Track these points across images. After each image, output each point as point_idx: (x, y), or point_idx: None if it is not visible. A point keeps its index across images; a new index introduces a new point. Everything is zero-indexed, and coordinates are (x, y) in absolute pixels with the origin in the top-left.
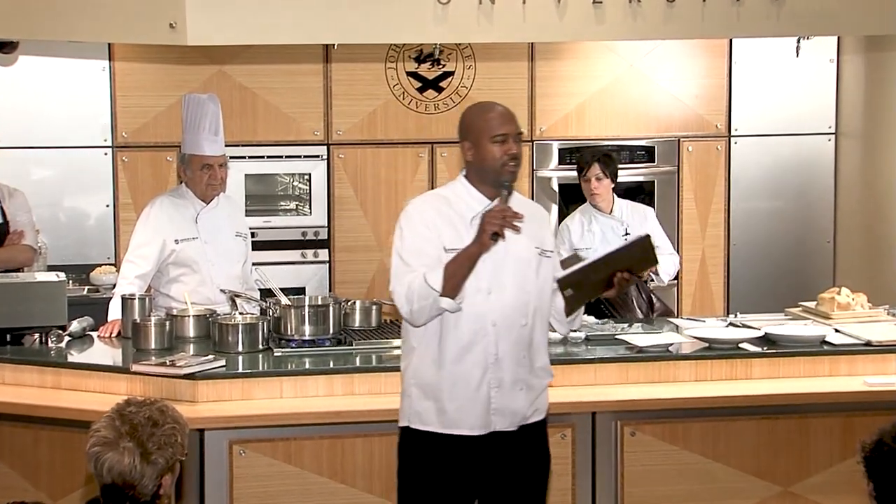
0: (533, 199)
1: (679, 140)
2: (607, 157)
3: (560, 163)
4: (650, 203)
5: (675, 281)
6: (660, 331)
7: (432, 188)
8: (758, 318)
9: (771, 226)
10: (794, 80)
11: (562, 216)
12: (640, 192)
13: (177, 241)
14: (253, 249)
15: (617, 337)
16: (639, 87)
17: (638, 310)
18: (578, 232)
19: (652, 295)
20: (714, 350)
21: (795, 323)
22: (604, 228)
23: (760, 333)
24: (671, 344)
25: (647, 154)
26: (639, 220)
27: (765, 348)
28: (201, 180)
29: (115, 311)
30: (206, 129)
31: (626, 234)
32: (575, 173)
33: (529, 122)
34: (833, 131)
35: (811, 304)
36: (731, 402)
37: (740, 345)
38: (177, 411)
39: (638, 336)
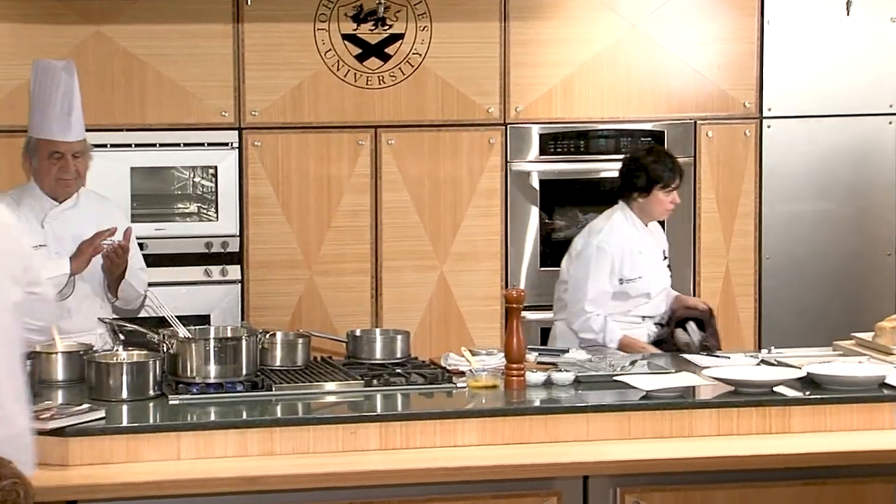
0: (506, 198)
1: (696, 123)
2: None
3: (541, 152)
4: None
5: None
6: (671, 370)
7: (376, 184)
8: (798, 354)
9: (815, 234)
10: (844, 44)
11: (543, 220)
12: None
13: None
14: None
15: (616, 378)
16: (643, 55)
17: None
18: (622, 257)
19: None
20: (742, 395)
21: (847, 360)
22: (650, 253)
23: (802, 374)
24: (686, 387)
25: (655, 141)
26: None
27: (807, 393)
28: (49, 172)
29: None
30: (58, 106)
31: (666, 257)
32: (564, 166)
33: (502, 99)
34: None
35: (867, 336)
36: (765, 463)
37: (776, 388)
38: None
39: (643, 377)
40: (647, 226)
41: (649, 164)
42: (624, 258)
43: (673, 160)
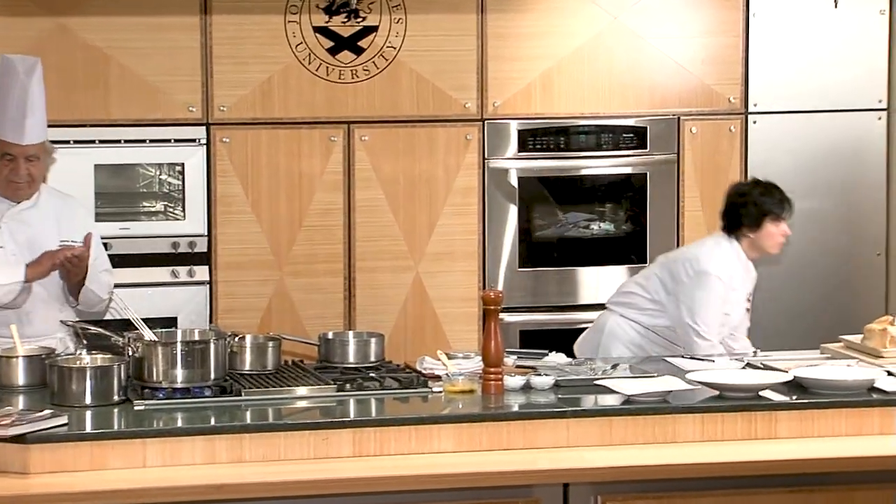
0: (484, 196)
1: (679, 119)
2: None
3: (520, 149)
4: (641, 203)
5: None
6: (654, 374)
7: (348, 182)
8: (785, 357)
9: (802, 234)
10: (831, 38)
11: (522, 220)
12: (627, 189)
13: None
14: None
15: (597, 382)
16: (625, 49)
17: None
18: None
19: None
20: (727, 400)
21: (835, 363)
22: (742, 291)
23: (789, 377)
24: (669, 391)
25: (637, 137)
26: None
27: (794, 397)
28: (0, 173)
29: None
30: (13, 108)
31: (749, 300)
32: (543, 163)
33: (480, 94)
34: (885, 106)
35: (856, 339)
36: (750, 470)
37: (761, 393)
38: None
39: (625, 381)
40: (751, 262)
41: (758, 197)
42: (727, 292)
43: (781, 191)
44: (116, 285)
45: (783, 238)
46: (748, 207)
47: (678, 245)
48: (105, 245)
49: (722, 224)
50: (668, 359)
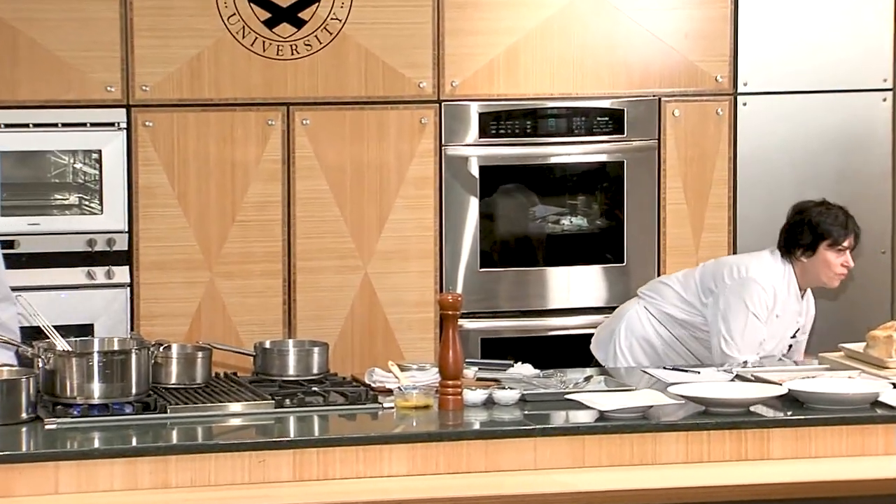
0: (441, 187)
1: (660, 100)
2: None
3: (482, 134)
4: (618, 194)
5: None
6: (632, 387)
7: (288, 172)
8: (779, 368)
9: None
10: (831, 9)
11: (484, 214)
12: (601, 179)
13: None
14: (10, 267)
15: (568, 397)
16: (599, 22)
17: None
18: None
19: None
20: (714, 416)
21: (834, 375)
22: (785, 322)
23: (782, 390)
24: (650, 407)
25: (613, 121)
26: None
27: (789, 413)
28: None
29: None
30: None
31: (795, 334)
32: (508, 150)
33: (435, 72)
34: (891, 86)
35: (858, 347)
36: (740, 495)
37: (752, 408)
38: None
39: (599, 396)
40: (802, 293)
41: (815, 217)
42: (768, 311)
43: (847, 215)
44: (25, 288)
45: (843, 271)
46: (804, 227)
47: (659, 242)
48: (11, 243)
49: (778, 243)
50: (650, 370)
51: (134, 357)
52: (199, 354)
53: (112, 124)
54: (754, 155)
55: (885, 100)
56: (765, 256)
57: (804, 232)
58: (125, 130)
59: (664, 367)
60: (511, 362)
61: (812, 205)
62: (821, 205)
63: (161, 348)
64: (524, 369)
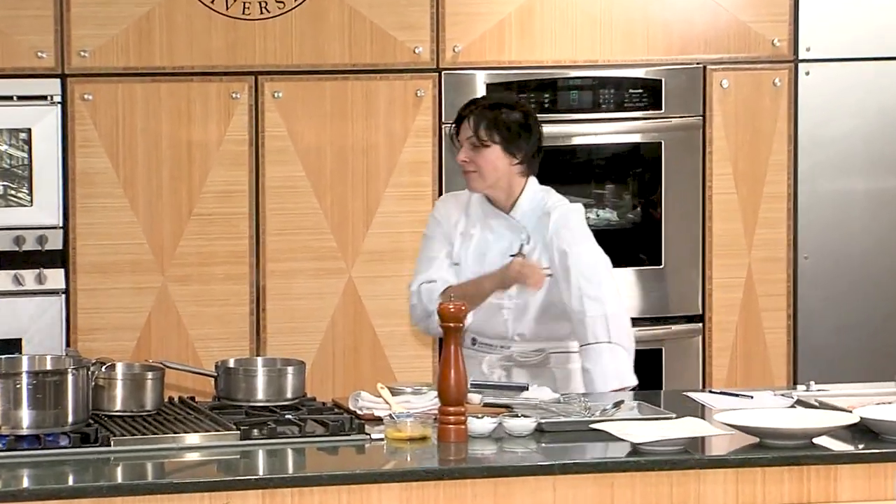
0: (440, 173)
1: (706, 68)
2: (500, 108)
3: None
4: (654, 183)
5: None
6: (671, 414)
7: (256, 155)
8: (848, 392)
9: (870, 224)
10: None
11: None
12: (634, 164)
13: None
14: None
15: (593, 427)
16: None
17: None
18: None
19: None
20: (770, 449)
21: None
22: (493, 234)
23: (853, 419)
24: (693, 439)
25: (649, 94)
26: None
27: (860, 446)
28: None
29: None
30: None
31: (520, 250)
32: None
33: (435, 37)
34: None
35: None
36: None
37: (816, 440)
38: None
39: (631, 425)
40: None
41: None
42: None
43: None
44: None
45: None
46: None
47: (703, 241)
48: None
49: None
50: (692, 394)
51: (70, 379)
52: (149, 375)
53: (44, 97)
54: (819, 134)
55: None
56: None
57: None
58: (60, 105)
59: (710, 391)
60: (525, 384)
61: None
62: None
63: (103, 368)
64: (541, 393)
